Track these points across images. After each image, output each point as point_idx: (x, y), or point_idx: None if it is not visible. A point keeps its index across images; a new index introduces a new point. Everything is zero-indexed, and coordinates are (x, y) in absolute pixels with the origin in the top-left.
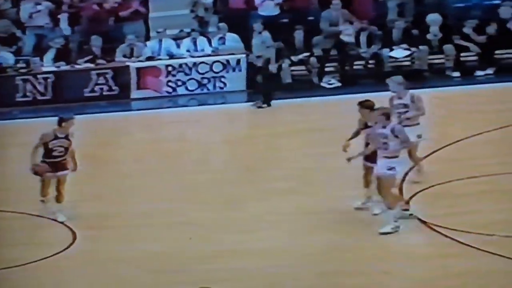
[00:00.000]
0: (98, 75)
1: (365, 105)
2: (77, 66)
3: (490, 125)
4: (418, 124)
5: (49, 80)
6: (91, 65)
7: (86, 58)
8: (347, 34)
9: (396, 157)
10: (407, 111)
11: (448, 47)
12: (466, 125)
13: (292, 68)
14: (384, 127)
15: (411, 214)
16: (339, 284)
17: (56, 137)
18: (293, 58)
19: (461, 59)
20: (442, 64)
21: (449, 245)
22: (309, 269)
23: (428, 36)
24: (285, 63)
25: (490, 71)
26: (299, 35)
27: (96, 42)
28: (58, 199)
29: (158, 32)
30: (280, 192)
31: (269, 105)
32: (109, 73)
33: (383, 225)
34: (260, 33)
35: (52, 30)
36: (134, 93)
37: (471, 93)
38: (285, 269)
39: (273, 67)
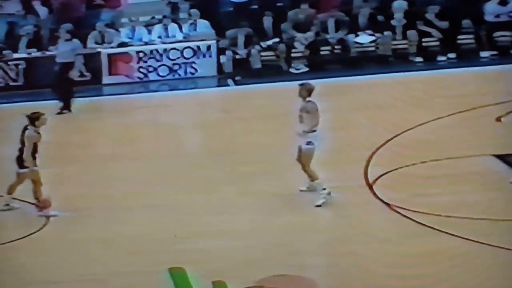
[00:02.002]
0: None
1: None
2: (48, 53)
3: (451, 109)
4: None
5: (20, 66)
6: None
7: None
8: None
9: (314, 131)
10: None
11: (411, 33)
12: (428, 110)
13: (262, 54)
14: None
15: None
16: (308, 264)
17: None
18: (262, 44)
19: (424, 44)
20: (406, 50)
21: (412, 227)
22: (279, 250)
23: (393, 22)
24: (255, 49)
25: (452, 55)
26: (267, 21)
27: (67, 29)
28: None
29: (131, 21)
30: (251, 175)
31: (69, 110)
32: (80, 59)
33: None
34: (68, 40)
35: (23, 17)
36: (106, 79)
37: (433, 78)
38: (256, 250)
39: (243, 53)
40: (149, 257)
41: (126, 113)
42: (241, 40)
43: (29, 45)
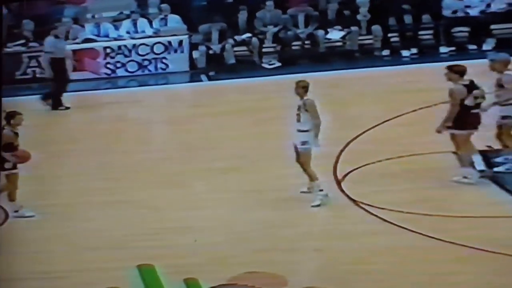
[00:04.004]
0: (30, 58)
1: (454, 70)
2: (7, 50)
3: (414, 105)
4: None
5: None
6: (23, 48)
7: (17, 42)
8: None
9: (308, 131)
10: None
11: (376, 28)
12: (393, 105)
13: (235, 49)
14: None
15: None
16: (275, 261)
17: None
18: (237, 37)
19: (390, 39)
20: (371, 45)
21: (377, 223)
22: (247, 247)
23: (358, 17)
24: (229, 44)
25: (414, 51)
26: (243, 15)
27: (27, 26)
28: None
29: (93, 17)
30: (222, 171)
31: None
32: (42, 55)
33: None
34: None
35: None
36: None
37: (398, 73)
38: (224, 247)
39: (216, 48)
40: (114, 253)
41: (91, 109)
42: (215, 35)
43: None
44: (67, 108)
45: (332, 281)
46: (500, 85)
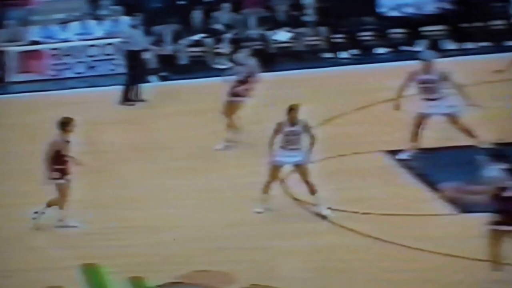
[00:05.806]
0: None
1: None
2: None
3: (355, 104)
4: None
5: None
6: None
7: None
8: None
9: (300, 149)
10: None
11: (321, 29)
12: (334, 105)
13: (188, 49)
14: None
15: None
16: (236, 260)
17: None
18: (190, 39)
19: (332, 40)
20: (317, 46)
21: (319, 222)
22: (207, 246)
23: (305, 18)
24: (182, 45)
25: (354, 52)
26: (197, 15)
27: None
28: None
29: (41, 19)
30: (181, 171)
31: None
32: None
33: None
34: None
35: None
36: (15, 77)
37: (340, 73)
38: (184, 245)
39: (169, 49)
40: (65, 252)
41: (37, 111)
42: (168, 36)
43: None
44: (139, 101)
45: (279, 280)
46: None
